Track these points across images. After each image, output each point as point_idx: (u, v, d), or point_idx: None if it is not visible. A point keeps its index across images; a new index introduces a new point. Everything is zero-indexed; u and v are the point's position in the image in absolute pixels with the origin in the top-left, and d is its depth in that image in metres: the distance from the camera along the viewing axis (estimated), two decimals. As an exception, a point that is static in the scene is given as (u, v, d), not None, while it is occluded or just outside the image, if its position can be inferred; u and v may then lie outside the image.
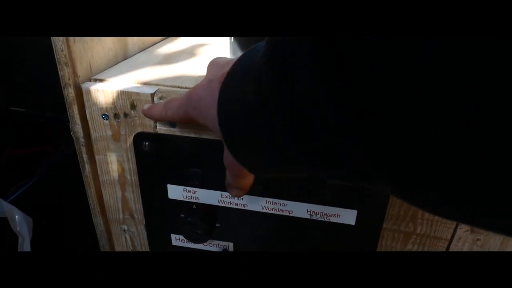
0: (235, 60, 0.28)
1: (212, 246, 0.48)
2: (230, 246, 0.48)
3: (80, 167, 0.47)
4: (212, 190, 0.44)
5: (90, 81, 0.43)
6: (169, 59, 0.52)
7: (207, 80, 0.32)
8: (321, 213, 0.42)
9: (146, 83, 0.43)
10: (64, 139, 0.85)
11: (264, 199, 0.43)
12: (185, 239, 0.48)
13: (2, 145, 0.82)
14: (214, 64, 0.35)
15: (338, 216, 0.42)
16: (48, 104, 0.91)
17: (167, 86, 0.42)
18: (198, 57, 0.53)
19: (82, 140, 0.44)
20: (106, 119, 0.43)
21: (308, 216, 0.43)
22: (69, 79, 0.41)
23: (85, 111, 0.43)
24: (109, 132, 0.44)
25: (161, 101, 0.40)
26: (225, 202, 0.45)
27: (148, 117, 0.39)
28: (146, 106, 0.39)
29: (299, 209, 0.43)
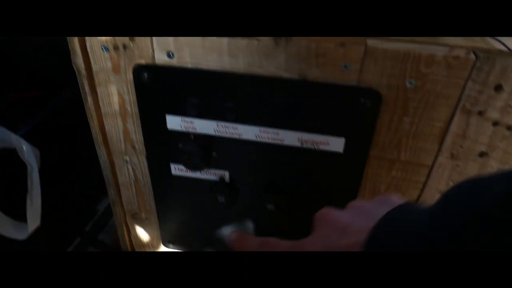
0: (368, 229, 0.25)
1: (209, 174, 0.51)
2: (226, 174, 0.51)
3: (83, 99, 0.49)
4: (209, 120, 0.46)
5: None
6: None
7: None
8: (311, 141, 0.45)
9: (143, 14, 0.43)
10: (61, 83, 0.87)
11: (258, 128, 0.45)
12: (184, 168, 0.51)
13: (5, 88, 0.84)
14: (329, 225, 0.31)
15: (327, 144, 0.45)
16: (47, 51, 0.92)
17: (164, 17, 0.43)
18: None
19: (83, 72, 0.46)
20: (106, 51, 0.45)
21: (299, 144, 0.45)
22: (68, 9, 0.42)
23: (85, 43, 0.45)
24: (109, 64, 0.45)
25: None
26: (221, 132, 0.47)
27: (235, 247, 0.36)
28: (233, 237, 0.36)
29: (291, 137, 0.45)
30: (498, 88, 0.38)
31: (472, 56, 0.37)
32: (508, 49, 0.38)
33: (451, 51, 0.37)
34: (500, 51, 0.38)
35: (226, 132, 0.47)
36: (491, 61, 0.37)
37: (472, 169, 0.44)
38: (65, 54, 0.47)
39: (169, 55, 0.43)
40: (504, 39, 0.39)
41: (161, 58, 0.44)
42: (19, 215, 0.53)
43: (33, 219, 0.52)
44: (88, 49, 0.45)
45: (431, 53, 0.37)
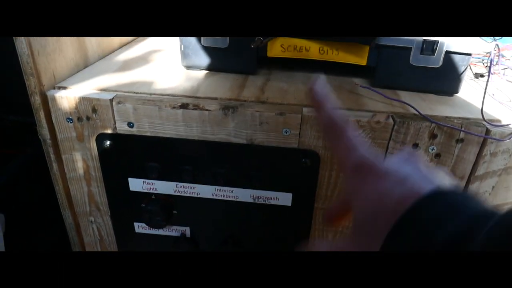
0: None
1: (171, 231, 0.55)
2: (187, 230, 0.55)
3: (48, 165, 0.52)
4: (168, 181, 0.50)
5: (54, 88, 0.49)
6: (126, 66, 0.58)
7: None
8: (262, 197, 0.50)
9: (105, 89, 0.48)
10: (30, 141, 0.89)
11: (214, 187, 0.50)
12: (146, 226, 0.54)
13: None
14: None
15: (277, 199, 0.50)
16: (12, 108, 0.94)
17: (124, 92, 0.48)
18: (152, 63, 0.59)
19: (49, 141, 0.50)
20: (71, 122, 0.49)
21: (251, 200, 0.50)
22: (35, 88, 0.46)
23: (51, 115, 0.48)
24: (74, 134, 0.49)
25: (120, 105, 0.46)
26: (180, 192, 0.51)
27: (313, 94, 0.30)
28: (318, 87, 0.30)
29: (244, 195, 0.50)
30: (415, 146, 0.45)
31: (391, 121, 0.44)
32: (420, 114, 0.44)
33: (373, 116, 0.44)
34: (414, 115, 0.45)
35: (185, 192, 0.51)
36: (406, 124, 0.44)
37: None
38: (29, 113, 0.50)
39: (130, 125, 0.48)
40: (417, 105, 0.46)
41: (122, 127, 0.48)
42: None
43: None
44: (54, 121, 0.49)
45: (357, 119, 0.44)
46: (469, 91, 0.54)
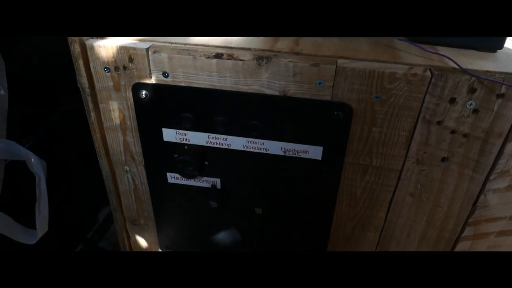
0: None
1: (203, 182, 0.56)
2: (218, 182, 0.56)
3: (87, 114, 0.54)
4: (201, 132, 0.52)
5: (93, 38, 0.50)
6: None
7: None
8: (293, 150, 0.50)
9: (141, 40, 0.49)
10: (65, 100, 0.92)
11: (245, 139, 0.51)
12: (179, 176, 0.56)
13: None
14: None
15: (307, 152, 0.50)
16: (46, 68, 0.97)
17: (160, 42, 0.49)
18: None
19: (87, 90, 0.51)
20: (108, 72, 0.50)
21: (282, 153, 0.51)
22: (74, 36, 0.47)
23: (89, 64, 0.50)
24: (111, 83, 0.51)
25: (155, 54, 0.47)
26: (212, 143, 0.52)
27: None
28: None
29: (274, 147, 0.50)
30: (453, 101, 0.44)
31: (428, 74, 0.43)
32: (460, 67, 0.43)
33: (410, 69, 0.43)
34: (453, 69, 0.43)
35: (217, 143, 0.52)
36: (445, 77, 0.42)
37: (436, 173, 0.49)
38: (62, 73, 0.52)
39: (165, 74, 0.49)
40: (457, 60, 0.44)
41: (157, 77, 0.49)
42: (29, 222, 0.58)
43: (42, 225, 0.56)
44: (92, 70, 0.50)
45: (393, 71, 0.43)
46: (513, 49, 0.52)
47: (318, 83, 0.45)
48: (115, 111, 0.53)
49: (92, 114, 0.53)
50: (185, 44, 0.49)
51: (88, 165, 0.66)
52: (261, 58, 0.45)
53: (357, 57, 0.45)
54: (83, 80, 0.51)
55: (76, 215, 0.78)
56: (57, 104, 0.91)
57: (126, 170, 0.59)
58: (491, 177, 0.48)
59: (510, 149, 0.46)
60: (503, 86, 0.42)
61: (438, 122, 0.45)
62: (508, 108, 0.43)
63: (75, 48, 0.48)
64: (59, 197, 0.70)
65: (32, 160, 0.57)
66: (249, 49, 0.47)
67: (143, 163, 0.57)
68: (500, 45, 0.49)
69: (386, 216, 0.54)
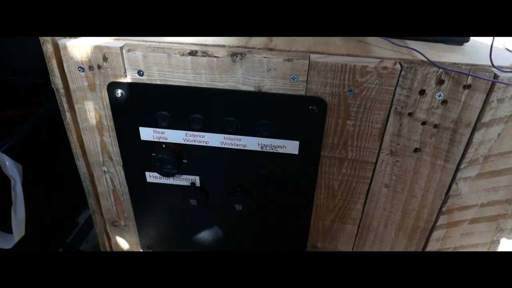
0: None
1: (182, 180, 0.56)
2: (197, 179, 0.56)
3: (62, 115, 0.53)
4: (178, 130, 0.52)
5: (65, 38, 0.49)
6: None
7: None
8: (270, 145, 0.51)
9: (115, 39, 0.49)
10: (41, 102, 0.91)
11: (222, 135, 0.51)
12: (158, 175, 0.56)
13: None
14: None
15: (284, 147, 0.51)
16: (21, 70, 0.96)
17: (134, 40, 0.49)
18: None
19: (62, 90, 0.51)
20: (82, 71, 0.50)
21: (259, 149, 0.51)
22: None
23: (63, 64, 0.49)
24: (86, 83, 0.50)
25: (130, 53, 0.47)
26: (190, 140, 0.52)
27: None
28: None
29: (252, 143, 0.51)
30: (422, 92, 0.45)
31: (398, 66, 0.44)
32: (428, 59, 0.44)
33: (380, 62, 0.44)
34: (422, 61, 0.45)
35: (195, 141, 0.52)
36: (414, 70, 0.44)
37: (409, 164, 0.50)
38: (37, 74, 0.51)
39: (140, 73, 0.49)
40: (426, 53, 0.46)
41: (132, 76, 0.49)
42: (4, 227, 0.57)
43: (18, 229, 0.56)
44: (66, 70, 0.50)
45: (364, 65, 0.44)
46: (481, 41, 0.53)
47: (292, 78, 0.46)
48: (91, 111, 0.53)
49: (68, 114, 0.53)
50: (159, 42, 0.49)
51: (66, 167, 0.66)
52: (235, 54, 0.45)
53: (329, 52, 0.46)
54: (57, 81, 0.50)
55: (55, 219, 0.77)
56: (32, 107, 0.90)
57: (104, 171, 0.58)
58: (462, 166, 0.49)
59: (478, 139, 0.47)
60: (469, 77, 0.43)
61: (409, 114, 0.47)
62: (474, 99, 0.45)
63: (48, 48, 0.48)
64: (37, 200, 0.69)
65: (7, 163, 0.56)
66: (223, 46, 0.48)
67: (121, 163, 0.57)
68: (467, 39, 0.50)
69: (364, 208, 0.55)
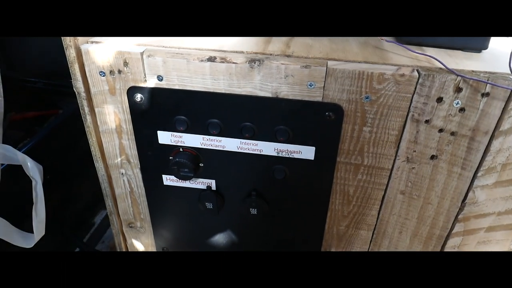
0: None
1: (198, 183, 0.57)
2: (213, 183, 0.57)
3: (82, 118, 0.55)
4: (195, 135, 0.52)
5: (87, 43, 0.51)
6: (155, 24, 0.59)
7: None
8: (286, 150, 0.51)
9: (136, 44, 0.50)
10: (60, 104, 0.93)
11: (239, 140, 0.52)
12: (174, 178, 0.57)
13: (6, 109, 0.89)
14: None
15: (300, 152, 0.51)
16: (41, 72, 0.98)
17: (154, 46, 0.50)
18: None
19: (83, 94, 0.52)
20: (103, 76, 0.51)
21: (275, 154, 0.52)
22: (70, 41, 0.48)
23: (84, 69, 0.51)
24: (106, 87, 0.52)
25: (150, 58, 0.48)
26: (207, 144, 0.53)
27: None
28: None
29: (268, 148, 0.51)
30: (440, 100, 0.45)
31: (416, 74, 0.44)
32: (446, 67, 0.44)
33: (398, 70, 0.44)
34: (439, 69, 0.45)
35: (211, 145, 0.53)
36: (431, 77, 0.44)
37: (425, 171, 0.50)
38: (59, 77, 0.53)
39: (159, 78, 0.50)
40: (443, 60, 0.46)
41: (152, 81, 0.50)
42: (26, 226, 0.58)
43: (39, 229, 0.57)
44: (87, 74, 0.51)
45: (382, 72, 0.44)
46: (500, 48, 0.53)
47: (309, 85, 0.46)
48: (111, 115, 0.54)
49: (88, 117, 0.54)
50: (178, 48, 0.50)
51: (84, 168, 0.67)
52: (254, 60, 0.46)
53: (347, 59, 0.47)
54: (79, 85, 0.52)
55: (72, 219, 0.79)
56: (52, 108, 0.92)
57: (122, 173, 0.59)
58: (479, 174, 0.49)
59: (496, 147, 0.47)
60: (488, 85, 0.43)
61: (427, 121, 0.47)
62: (493, 107, 0.45)
63: (71, 52, 0.49)
64: (56, 200, 0.70)
65: (29, 164, 0.58)
66: (241, 52, 0.48)
67: (139, 166, 0.58)
68: (485, 45, 0.50)
69: (379, 214, 0.55)
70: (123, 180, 0.60)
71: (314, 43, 0.51)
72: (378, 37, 0.54)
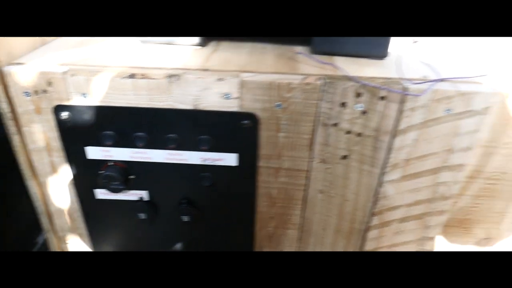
0: None
1: (130, 195, 0.59)
2: (145, 194, 0.59)
3: (9, 138, 0.55)
4: (123, 148, 0.54)
5: (10, 65, 0.52)
6: (82, 42, 0.61)
7: None
8: (210, 159, 0.54)
9: (60, 64, 0.51)
10: None
11: (165, 151, 0.54)
12: (107, 192, 0.59)
13: None
14: None
15: (223, 160, 0.54)
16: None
17: (77, 65, 0.52)
18: (109, 39, 0.63)
19: (8, 114, 0.53)
20: (28, 96, 0.52)
21: (200, 162, 0.55)
22: (-9, 64, 0.49)
23: (8, 90, 0.52)
24: (32, 107, 0.53)
25: (73, 77, 0.50)
26: (135, 157, 0.55)
27: None
28: None
29: (193, 157, 0.54)
30: (343, 104, 0.49)
31: (320, 82, 0.48)
32: (347, 75, 0.49)
33: (304, 79, 0.49)
34: (342, 76, 0.49)
35: (140, 157, 0.55)
36: (334, 84, 0.48)
37: (339, 170, 0.55)
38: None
39: (83, 95, 0.51)
40: (348, 68, 0.50)
41: (77, 98, 0.51)
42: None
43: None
44: (12, 95, 0.52)
45: (289, 82, 0.48)
46: (402, 55, 0.59)
47: (226, 96, 0.50)
48: (39, 133, 0.55)
49: (15, 137, 0.55)
50: (101, 66, 0.52)
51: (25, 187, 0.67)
52: (172, 76, 0.49)
53: (260, 70, 0.51)
54: (3, 106, 0.52)
55: (12, 240, 0.78)
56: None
57: (55, 190, 0.60)
58: (386, 170, 0.54)
59: (397, 144, 0.52)
60: (381, 89, 0.48)
61: (334, 124, 0.51)
62: (390, 109, 0.50)
63: (-8, 74, 0.50)
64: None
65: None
66: (160, 68, 0.51)
67: (72, 182, 0.59)
68: (385, 53, 0.56)
69: (304, 213, 0.59)
70: (57, 196, 0.61)
71: (232, 57, 0.55)
72: (294, 50, 0.58)
